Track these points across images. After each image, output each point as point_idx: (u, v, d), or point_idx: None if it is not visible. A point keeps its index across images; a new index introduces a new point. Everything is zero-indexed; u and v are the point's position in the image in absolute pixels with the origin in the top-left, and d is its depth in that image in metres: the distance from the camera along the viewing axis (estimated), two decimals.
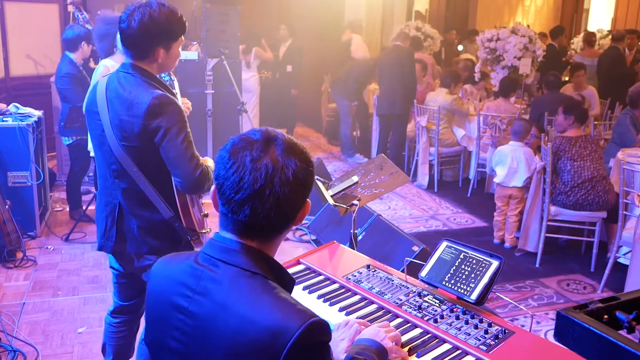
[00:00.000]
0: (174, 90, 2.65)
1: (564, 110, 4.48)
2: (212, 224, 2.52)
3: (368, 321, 1.73)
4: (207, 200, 6.15)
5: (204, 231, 2.39)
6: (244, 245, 1.27)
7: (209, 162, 2.40)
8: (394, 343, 1.55)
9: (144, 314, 1.41)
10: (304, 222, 4.27)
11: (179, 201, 2.25)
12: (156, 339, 1.35)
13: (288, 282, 1.33)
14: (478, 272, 1.80)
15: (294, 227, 1.39)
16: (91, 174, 5.30)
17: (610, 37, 9.44)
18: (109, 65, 3.92)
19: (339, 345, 1.54)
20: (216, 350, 1.20)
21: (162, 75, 2.81)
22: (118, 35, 2.71)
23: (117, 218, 2.28)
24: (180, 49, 2.29)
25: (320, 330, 1.19)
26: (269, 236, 1.29)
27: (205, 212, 2.49)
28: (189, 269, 1.29)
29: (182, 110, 2.18)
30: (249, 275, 1.24)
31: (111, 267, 2.51)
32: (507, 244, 4.83)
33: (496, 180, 4.91)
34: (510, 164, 4.75)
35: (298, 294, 1.90)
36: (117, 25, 3.08)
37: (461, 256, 1.87)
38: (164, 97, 2.12)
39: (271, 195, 1.20)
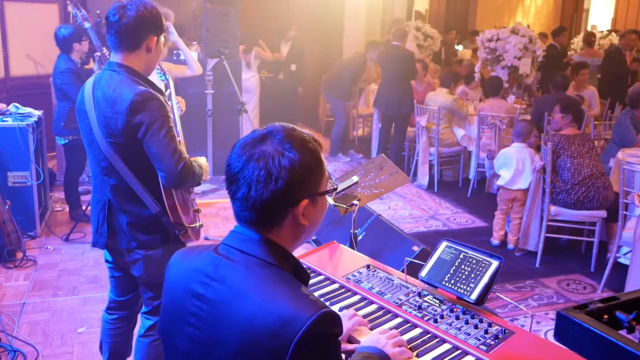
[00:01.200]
0: (169, 90, 2.66)
1: (562, 109, 4.49)
2: (203, 219, 2.53)
3: (368, 321, 1.74)
4: (208, 200, 6.06)
5: (193, 225, 2.40)
6: (263, 237, 1.30)
7: (201, 160, 2.42)
8: (396, 348, 1.55)
9: (161, 302, 1.43)
10: None
11: (165, 196, 2.28)
12: (171, 325, 1.37)
13: (303, 276, 1.36)
14: (478, 272, 1.80)
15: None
16: (90, 174, 5.30)
17: (610, 37, 9.45)
18: None
19: None
20: (230, 336, 1.23)
21: (159, 74, 2.82)
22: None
23: (108, 214, 2.32)
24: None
25: (330, 322, 1.22)
26: (263, 227, 1.30)
27: (197, 208, 2.50)
28: (208, 258, 1.33)
29: (164, 105, 2.21)
30: (265, 265, 1.27)
31: (106, 260, 2.55)
32: (510, 245, 4.81)
33: (500, 182, 4.86)
34: (516, 166, 4.72)
35: None
36: None
37: (461, 256, 1.87)
38: (147, 92, 2.16)
39: (244, 183, 1.26)
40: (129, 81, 2.18)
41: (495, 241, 4.90)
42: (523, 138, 4.82)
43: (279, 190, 1.24)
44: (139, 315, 2.62)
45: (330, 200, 2.52)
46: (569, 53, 9.76)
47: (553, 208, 4.40)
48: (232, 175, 1.28)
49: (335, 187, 1.41)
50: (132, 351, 2.67)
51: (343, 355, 1.44)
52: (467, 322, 1.70)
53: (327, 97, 7.92)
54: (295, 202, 1.28)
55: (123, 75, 2.20)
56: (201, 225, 2.49)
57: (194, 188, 2.54)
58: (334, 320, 1.23)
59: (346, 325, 1.63)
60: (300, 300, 1.21)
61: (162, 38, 2.30)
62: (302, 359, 1.17)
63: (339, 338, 1.29)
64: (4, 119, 4.64)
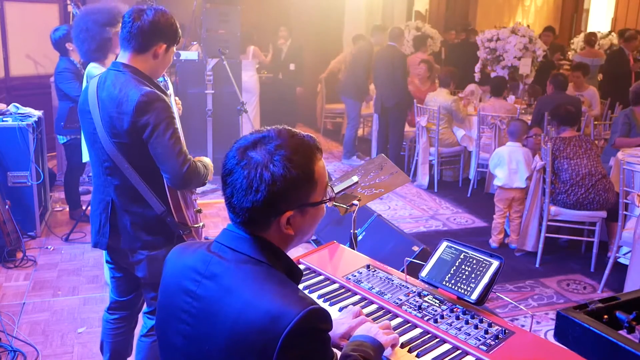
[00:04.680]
0: (167, 92, 2.67)
1: (549, 120, 4.54)
2: (203, 219, 2.54)
3: None
4: (208, 200, 6.04)
5: (196, 225, 2.40)
6: (255, 236, 1.31)
7: (206, 159, 2.42)
8: (388, 336, 1.56)
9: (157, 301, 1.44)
10: None
11: (170, 196, 2.28)
12: (165, 322, 1.39)
13: (295, 274, 1.37)
14: (478, 272, 1.80)
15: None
16: (91, 174, 5.30)
17: (610, 37, 9.45)
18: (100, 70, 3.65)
19: (338, 328, 1.58)
20: (220, 332, 1.24)
21: None
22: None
23: (111, 214, 2.32)
24: (176, 50, 2.37)
25: (318, 318, 1.22)
26: (249, 229, 1.31)
27: (199, 208, 2.50)
28: (200, 256, 1.35)
29: (170, 106, 2.22)
30: (255, 263, 1.28)
31: (107, 261, 2.55)
32: (512, 245, 4.80)
33: (497, 183, 4.86)
34: (509, 165, 4.74)
35: None
36: (109, 26, 3.16)
37: (461, 256, 1.87)
38: (152, 93, 2.17)
39: (229, 187, 1.28)
40: (135, 82, 2.19)
41: (493, 244, 4.87)
42: (516, 137, 4.83)
43: (258, 202, 1.25)
44: (141, 315, 2.62)
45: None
46: (569, 53, 9.77)
47: (553, 208, 4.40)
48: (224, 176, 1.30)
49: (332, 196, 1.41)
50: (133, 351, 2.68)
51: (339, 353, 1.44)
52: (467, 322, 1.70)
53: (343, 98, 7.74)
54: (278, 213, 1.28)
55: (128, 76, 2.21)
56: (203, 226, 2.49)
57: (196, 189, 2.54)
58: (323, 317, 1.24)
59: (349, 323, 1.63)
60: (288, 296, 1.22)
61: (173, 49, 2.32)
62: (289, 354, 1.18)
63: (331, 333, 1.29)
64: (4, 119, 4.64)
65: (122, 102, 2.15)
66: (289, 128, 1.33)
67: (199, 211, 2.51)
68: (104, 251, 2.50)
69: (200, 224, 2.46)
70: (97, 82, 2.27)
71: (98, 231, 2.38)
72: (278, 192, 1.25)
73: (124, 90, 2.17)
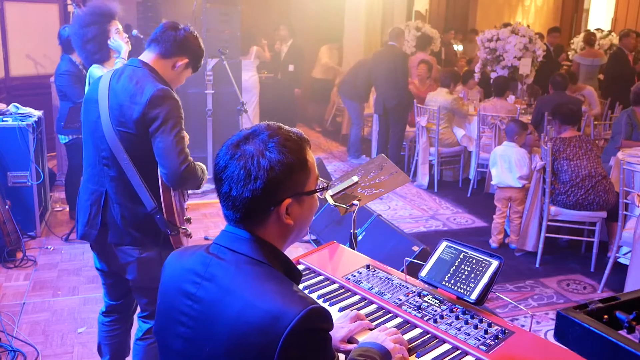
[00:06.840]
0: None
1: (551, 117, 4.54)
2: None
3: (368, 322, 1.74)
4: (208, 200, 6.02)
5: (184, 227, 2.39)
6: (252, 236, 1.31)
7: (202, 165, 2.44)
8: (396, 344, 1.55)
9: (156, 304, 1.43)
10: None
11: (162, 193, 2.28)
12: (165, 325, 1.38)
13: (295, 275, 1.37)
14: (478, 272, 1.80)
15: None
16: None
17: (610, 37, 9.45)
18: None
19: (337, 332, 1.59)
20: (220, 333, 1.24)
21: None
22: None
23: (103, 206, 2.32)
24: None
25: (319, 317, 1.22)
26: (248, 225, 1.31)
27: (188, 217, 2.49)
28: (199, 258, 1.35)
29: (181, 107, 2.26)
30: (254, 263, 1.28)
31: (96, 268, 2.54)
32: (512, 245, 4.80)
33: (492, 182, 4.89)
34: (501, 164, 4.75)
35: None
36: (104, 24, 3.18)
37: (461, 256, 1.87)
38: (167, 90, 2.22)
39: (225, 182, 1.28)
40: (152, 78, 2.24)
41: (493, 244, 4.87)
42: (512, 137, 4.83)
43: (258, 190, 1.26)
44: (137, 319, 2.62)
45: (330, 200, 2.52)
46: (568, 53, 9.76)
47: (553, 208, 4.40)
48: (217, 173, 1.31)
49: (325, 186, 1.41)
50: (130, 352, 2.68)
51: (342, 356, 1.44)
52: (467, 322, 1.70)
53: (342, 98, 7.82)
54: (278, 202, 1.29)
55: (146, 72, 2.26)
56: (190, 236, 2.46)
57: (191, 191, 2.54)
58: (323, 316, 1.24)
59: (348, 327, 1.64)
60: (289, 296, 1.22)
61: (190, 70, 2.40)
62: (290, 354, 1.18)
63: (331, 334, 1.29)
64: (4, 119, 4.64)
65: (136, 93, 2.19)
66: (276, 122, 1.35)
67: (188, 220, 2.49)
68: (93, 256, 2.49)
69: (189, 231, 2.44)
70: (111, 74, 2.31)
71: (87, 222, 2.35)
72: (276, 178, 1.26)
73: (140, 83, 2.21)
